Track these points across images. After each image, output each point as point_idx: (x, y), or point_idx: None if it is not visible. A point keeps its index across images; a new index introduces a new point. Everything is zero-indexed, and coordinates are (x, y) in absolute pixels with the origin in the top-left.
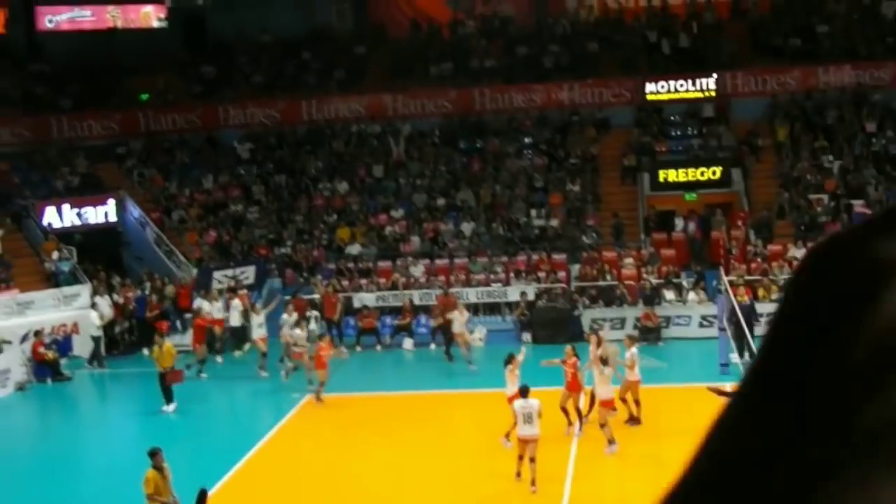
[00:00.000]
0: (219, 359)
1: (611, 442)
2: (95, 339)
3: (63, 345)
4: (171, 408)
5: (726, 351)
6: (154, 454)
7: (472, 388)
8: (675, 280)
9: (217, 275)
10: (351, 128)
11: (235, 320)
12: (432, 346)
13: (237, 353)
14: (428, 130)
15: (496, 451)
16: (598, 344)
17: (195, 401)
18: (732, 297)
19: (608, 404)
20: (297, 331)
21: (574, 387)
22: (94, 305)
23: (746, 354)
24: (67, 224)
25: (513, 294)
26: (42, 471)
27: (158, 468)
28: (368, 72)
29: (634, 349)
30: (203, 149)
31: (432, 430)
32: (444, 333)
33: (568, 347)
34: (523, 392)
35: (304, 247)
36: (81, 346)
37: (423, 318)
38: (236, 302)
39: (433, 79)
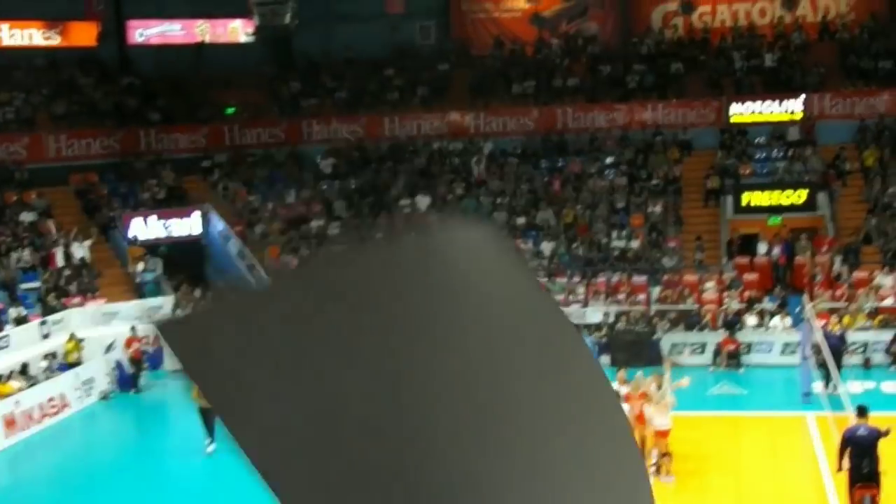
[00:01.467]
0: None
1: (667, 472)
2: None
3: (153, 357)
4: (213, 447)
5: (809, 380)
6: None
7: None
8: (757, 305)
9: None
10: (433, 145)
11: None
12: None
13: None
14: (510, 149)
15: None
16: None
17: None
18: (816, 325)
19: (665, 434)
20: None
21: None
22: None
23: (831, 385)
24: (153, 236)
25: (592, 315)
26: (118, 480)
27: None
28: (451, 89)
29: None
30: (286, 163)
31: None
32: None
33: (637, 377)
34: None
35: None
36: (170, 360)
37: None
38: None
39: (516, 97)
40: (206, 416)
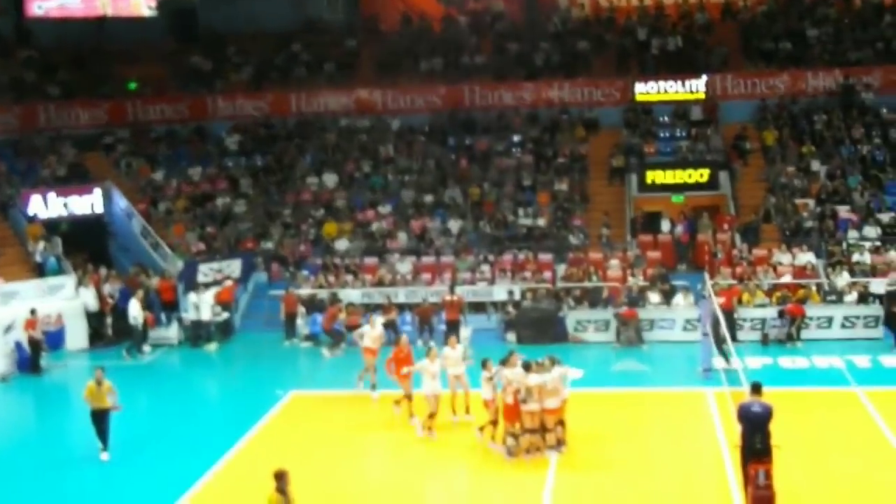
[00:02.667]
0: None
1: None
2: (134, 328)
3: (53, 336)
4: (106, 455)
5: (709, 356)
6: (280, 477)
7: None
8: (660, 283)
9: (203, 268)
10: (340, 122)
11: (205, 314)
12: (419, 342)
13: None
14: (417, 126)
15: (480, 451)
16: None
17: (175, 397)
18: (715, 302)
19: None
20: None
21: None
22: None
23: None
24: (53, 214)
25: (498, 293)
26: (19, 461)
27: (282, 492)
28: (359, 65)
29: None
30: (191, 139)
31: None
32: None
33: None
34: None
35: (291, 241)
36: (73, 339)
37: (408, 316)
38: (206, 296)
39: (423, 74)
40: (99, 420)
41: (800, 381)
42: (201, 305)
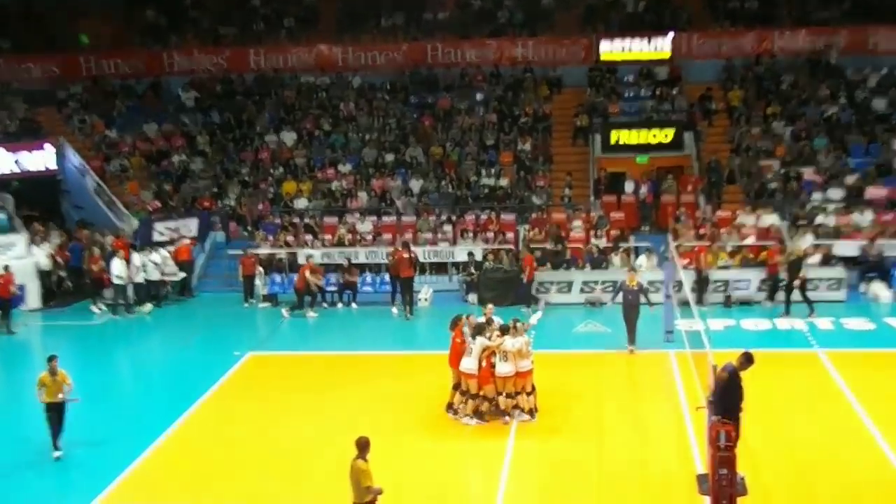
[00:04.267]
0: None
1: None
2: (118, 287)
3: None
4: (59, 454)
5: (671, 318)
6: (363, 445)
7: (416, 350)
8: (623, 244)
9: (158, 226)
10: (300, 78)
11: (154, 275)
12: (394, 310)
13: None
14: (379, 84)
15: (437, 415)
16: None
17: (129, 359)
18: (679, 264)
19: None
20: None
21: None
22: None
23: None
24: (4, 171)
25: (460, 254)
26: None
27: (366, 460)
28: (319, 21)
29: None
30: (146, 95)
31: (377, 390)
32: (404, 289)
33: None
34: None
35: (249, 200)
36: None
37: (368, 277)
38: (155, 255)
39: (385, 30)
40: (54, 416)
41: (763, 342)
42: (147, 266)
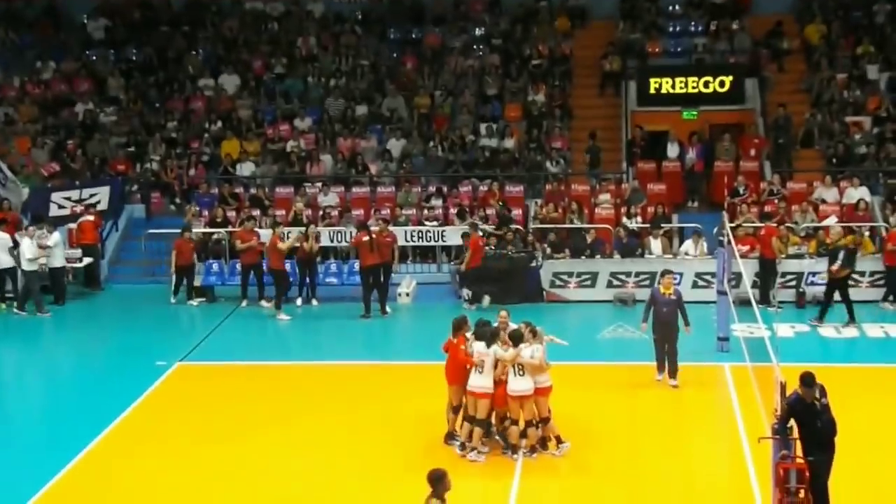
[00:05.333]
0: None
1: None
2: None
3: None
4: None
5: (727, 321)
6: (438, 479)
7: (387, 361)
8: (664, 225)
9: (56, 197)
10: (244, 5)
11: (57, 260)
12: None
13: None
14: (347, 13)
15: (427, 447)
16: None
17: (23, 371)
18: (736, 251)
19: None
20: None
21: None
22: None
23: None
24: None
25: (452, 236)
26: None
27: (441, 499)
28: None
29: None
30: (40, 24)
31: (346, 413)
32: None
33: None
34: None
35: (177, 163)
36: None
37: (332, 265)
38: (56, 236)
39: None
40: None
41: (847, 356)
42: (28, 251)
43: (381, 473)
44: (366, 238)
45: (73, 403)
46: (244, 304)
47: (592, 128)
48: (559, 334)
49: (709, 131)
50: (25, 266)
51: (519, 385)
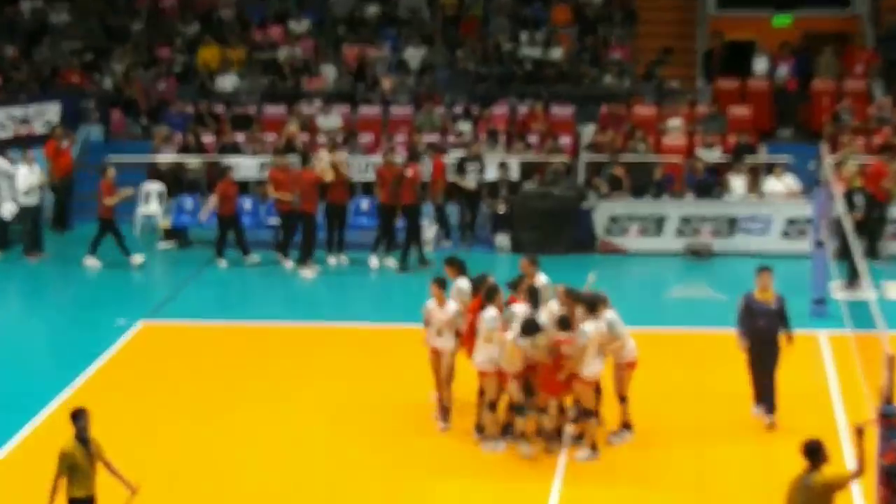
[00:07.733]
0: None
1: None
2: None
3: None
4: None
5: (824, 280)
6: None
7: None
8: (748, 157)
9: None
10: None
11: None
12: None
13: None
14: None
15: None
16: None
17: None
18: (838, 192)
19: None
20: None
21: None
22: None
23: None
24: None
25: (487, 169)
26: None
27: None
28: None
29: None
30: None
31: (348, 388)
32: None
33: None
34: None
35: (144, 75)
36: None
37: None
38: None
39: None
40: None
41: None
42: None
43: (385, 460)
44: (405, 169)
45: (30, 360)
46: (223, 263)
47: (661, 34)
48: (615, 293)
49: (805, 42)
50: (22, 200)
51: (593, 368)
